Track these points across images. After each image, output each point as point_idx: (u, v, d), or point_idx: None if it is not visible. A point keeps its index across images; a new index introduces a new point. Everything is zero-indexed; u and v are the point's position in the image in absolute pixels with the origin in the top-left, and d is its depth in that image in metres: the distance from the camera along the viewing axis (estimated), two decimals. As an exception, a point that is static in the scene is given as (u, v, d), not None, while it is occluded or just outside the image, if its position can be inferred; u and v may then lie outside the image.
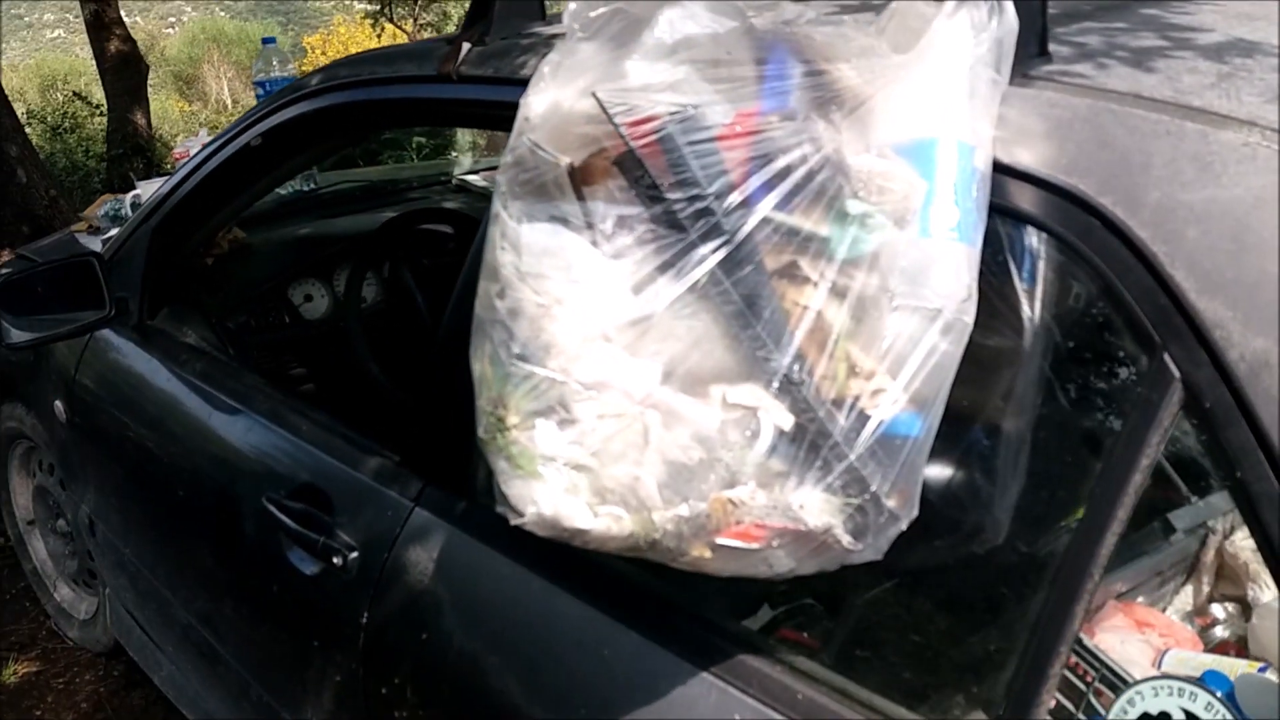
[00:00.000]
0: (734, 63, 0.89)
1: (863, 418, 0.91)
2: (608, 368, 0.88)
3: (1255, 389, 0.83)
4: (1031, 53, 1.06)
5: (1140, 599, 1.24)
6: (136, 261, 2.22)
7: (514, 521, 0.91)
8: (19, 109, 10.36)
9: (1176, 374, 0.88)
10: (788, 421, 0.90)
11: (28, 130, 8.74)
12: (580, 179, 0.90)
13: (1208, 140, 0.92)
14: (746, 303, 0.89)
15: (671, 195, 0.87)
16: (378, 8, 14.90)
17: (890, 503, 0.93)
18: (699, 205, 0.88)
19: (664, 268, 0.89)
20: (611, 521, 0.89)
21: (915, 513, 0.94)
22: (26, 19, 31.01)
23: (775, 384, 0.90)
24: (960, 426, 0.99)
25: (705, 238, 0.88)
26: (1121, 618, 1.17)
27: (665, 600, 1.21)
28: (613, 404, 0.88)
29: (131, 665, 2.65)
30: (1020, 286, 0.99)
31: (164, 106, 14.36)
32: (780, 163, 0.89)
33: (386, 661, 1.49)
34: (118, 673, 2.91)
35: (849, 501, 0.92)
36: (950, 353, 0.93)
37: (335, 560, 1.54)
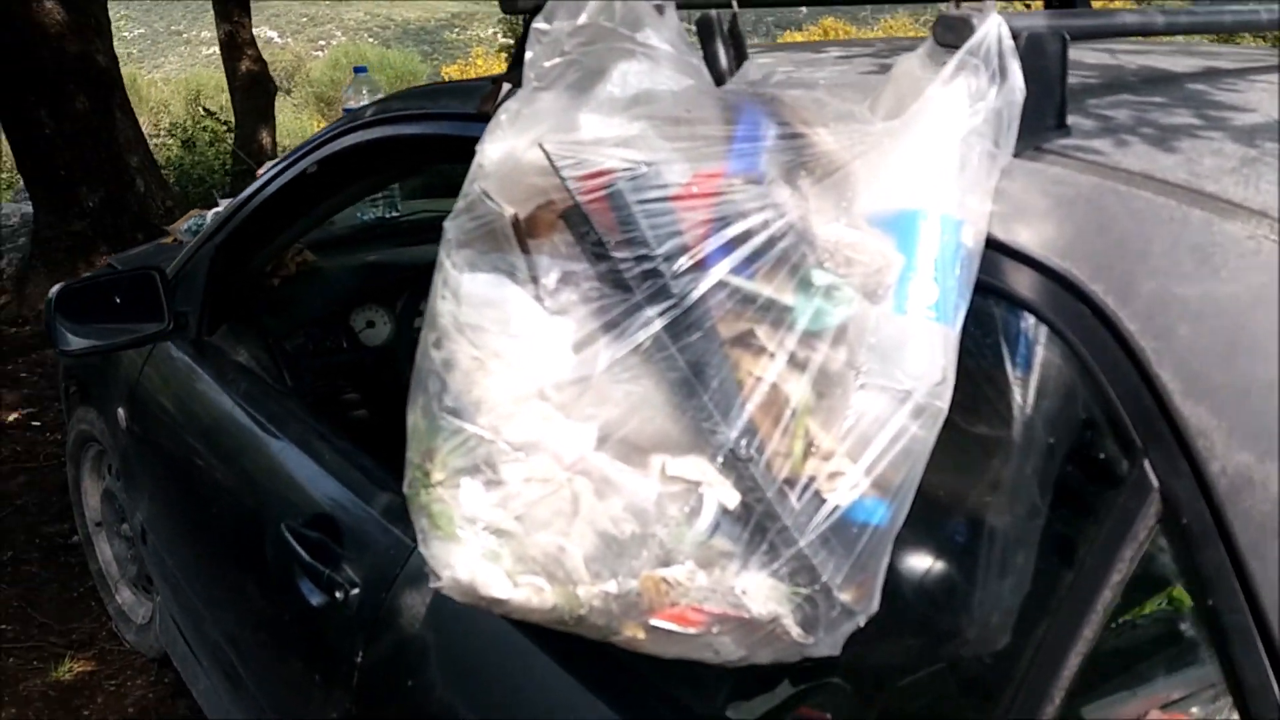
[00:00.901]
0: (698, 121, 0.84)
1: (817, 500, 0.85)
2: (540, 429, 0.84)
3: (1235, 508, 0.74)
4: (1049, 125, 0.98)
5: (1194, 709, 1.14)
6: (199, 278, 2.26)
7: (432, 584, 0.87)
8: (164, 121, 10.81)
9: (1155, 484, 0.79)
10: (733, 499, 0.85)
11: (169, 142, 9.10)
12: (526, 231, 0.86)
13: (1211, 230, 0.83)
14: (693, 370, 0.84)
15: (618, 254, 0.83)
16: (511, 42, 15.27)
17: (844, 596, 0.87)
18: (646, 266, 0.83)
19: (607, 328, 0.84)
20: (532, 593, 0.84)
21: (875, 608, 0.88)
22: (185, 35, 32.52)
23: (720, 458, 0.84)
24: (925, 517, 0.92)
25: (651, 300, 0.83)
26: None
27: (638, 676, 1.15)
28: (541, 468, 0.83)
29: (181, 674, 2.68)
30: (1004, 373, 0.91)
31: (304, 125, 14.81)
32: (739, 227, 0.83)
33: (376, 704, 1.47)
34: (168, 680, 2.92)
35: (797, 590, 0.86)
36: (921, 438, 0.86)
37: (337, 594, 1.52)
